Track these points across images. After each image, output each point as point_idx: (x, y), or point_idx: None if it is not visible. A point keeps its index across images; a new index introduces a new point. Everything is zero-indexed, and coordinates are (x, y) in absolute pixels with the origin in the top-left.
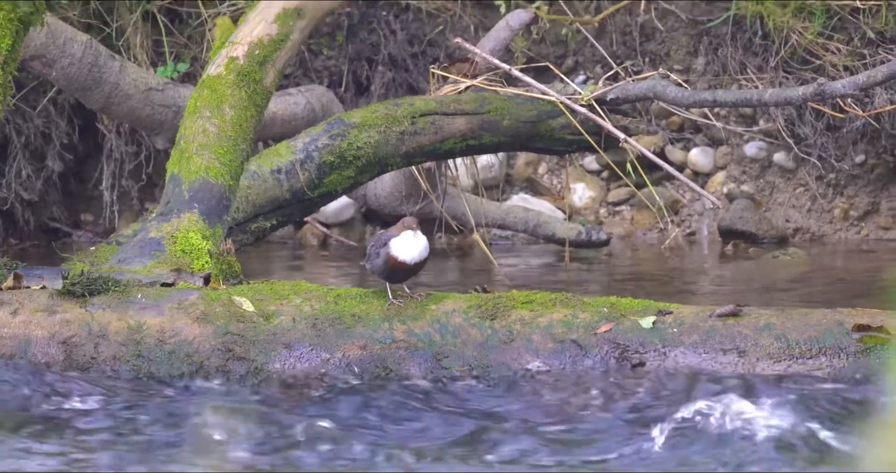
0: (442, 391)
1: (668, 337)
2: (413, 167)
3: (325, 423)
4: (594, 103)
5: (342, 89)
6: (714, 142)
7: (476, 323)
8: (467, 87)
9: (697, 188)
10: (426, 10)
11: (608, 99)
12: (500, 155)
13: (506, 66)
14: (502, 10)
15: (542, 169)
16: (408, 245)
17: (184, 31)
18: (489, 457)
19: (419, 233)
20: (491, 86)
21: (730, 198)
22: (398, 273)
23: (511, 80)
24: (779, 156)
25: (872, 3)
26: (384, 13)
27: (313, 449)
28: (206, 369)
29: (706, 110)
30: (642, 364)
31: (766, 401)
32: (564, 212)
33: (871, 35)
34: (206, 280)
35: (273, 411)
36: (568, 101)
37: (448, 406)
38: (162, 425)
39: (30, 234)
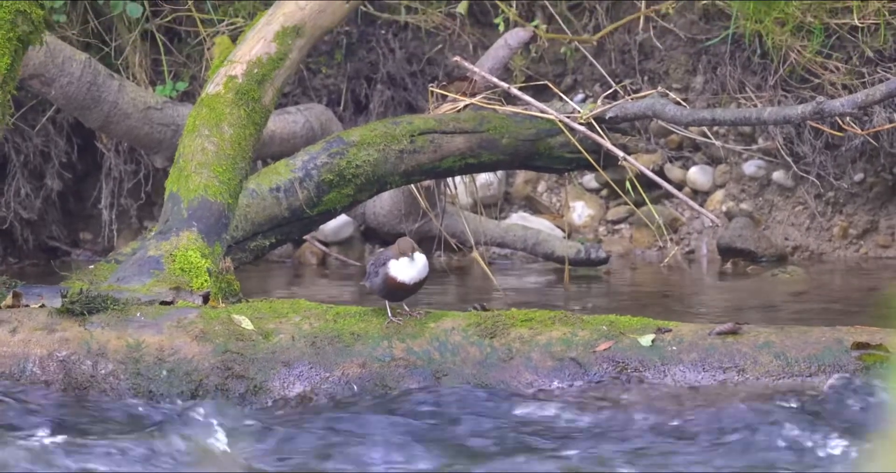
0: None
1: (668, 354)
2: (412, 185)
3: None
4: (593, 121)
5: (341, 108)
6: (713, 161)
7: (475, 341)
8: (466, 106)
9: (696, 206)
10: (425, 29)
11: (607, 117)
12: (499, 173)
13: (505, 85)
14: (501, 28)
15: (541, 187)
16: (406, 265)
17: (182, 50)
18: None
19: (415, 255)
20: (490, 104)
21: (729, 216)
22: (397, 292)
23: (510, 99)
24: (778, 175)
25: (871, 22)
26: (383, 32)
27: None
28: (205, 387)
29: (705, 129)
30: (641, 382)
31: (762, 417)
32: (563, 230)
33: (870, 54)
34: (205, 298)
35: (274, 428)
36: (567, 120)
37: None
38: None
39: (29, 253)
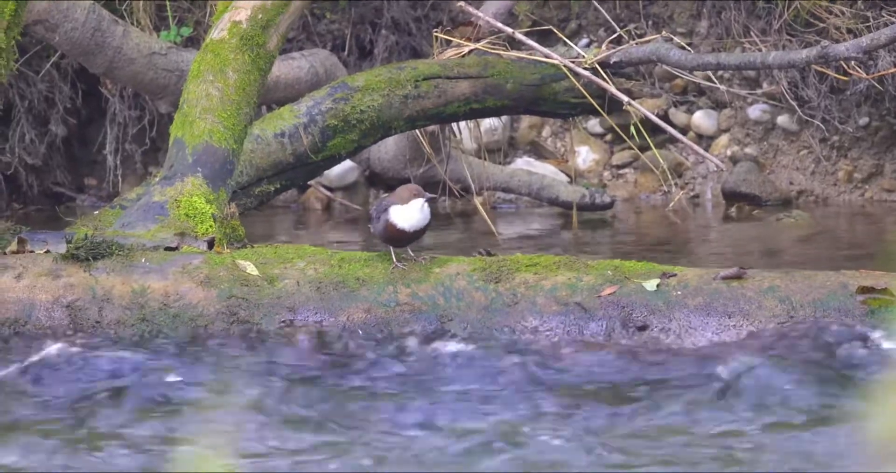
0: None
1: (673, 299)
2: (416, 131)
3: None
4: (598, 66)
5: (345, 53)
6: (717, 105)
7: (480, 287)
8: (471, 51)
9: (701, 151)
10: None
11: (612, 62)
12: (504, 118)
13: (509, 30)
14: None
15: (545, 132)
16: (406, 213)
17: None
18: None
19: (413, 202)
20: (494, 49)
21: (733, 160)
22: (398, 239)
23: (514, 44)
24: (782, 119)
25: None
26: None
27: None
28: (209, 332)
29: (710, 73)
30: (646, 326)
31: (767, 363)
32: (568, 175)
33: None
34: (210, 244)
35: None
36: (571, 65)
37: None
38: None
39: (34, 199)
